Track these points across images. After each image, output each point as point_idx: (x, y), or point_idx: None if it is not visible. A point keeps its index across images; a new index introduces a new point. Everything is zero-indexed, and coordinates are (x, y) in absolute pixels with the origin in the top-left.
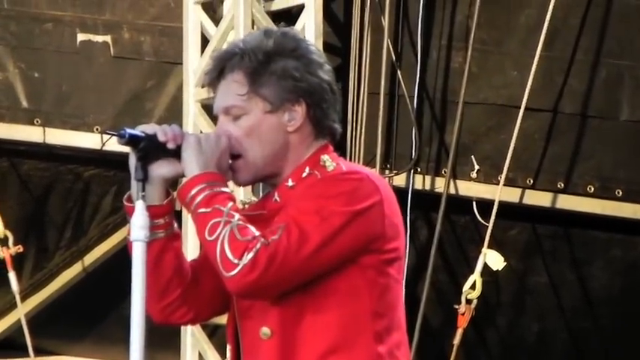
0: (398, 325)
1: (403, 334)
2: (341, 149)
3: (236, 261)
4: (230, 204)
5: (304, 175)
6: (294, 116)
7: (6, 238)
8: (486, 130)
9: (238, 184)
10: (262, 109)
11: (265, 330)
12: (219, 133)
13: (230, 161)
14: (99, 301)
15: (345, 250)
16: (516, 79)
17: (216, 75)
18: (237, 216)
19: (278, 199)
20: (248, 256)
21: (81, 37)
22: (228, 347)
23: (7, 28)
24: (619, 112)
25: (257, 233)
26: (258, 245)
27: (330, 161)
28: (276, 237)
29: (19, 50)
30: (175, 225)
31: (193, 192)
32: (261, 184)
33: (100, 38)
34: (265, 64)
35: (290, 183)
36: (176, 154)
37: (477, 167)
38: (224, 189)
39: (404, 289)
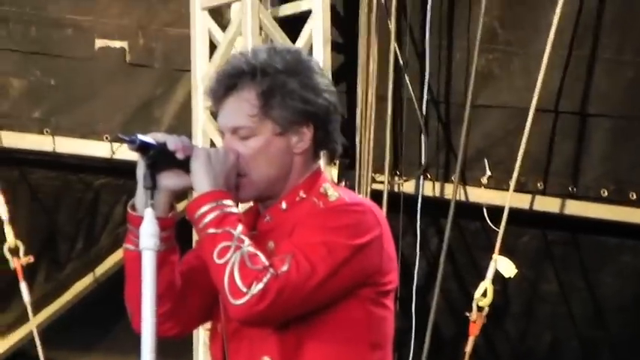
0: (389, 355)
1: None
2: (350, 156)
3: (245, 290)
4: (240, 227)
5: (298, 199)
6: (302, 138)
7: (17, 249)
8: (505, 134)
9: (239, 201)
10: (272, 131)
11: (266, 359)
12: (227, 150)
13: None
14: (111, 311)
15: (348, 282)
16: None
17: (223, 91)
18: (247, 241)
19: (269, 219)
20: (258, 287)
21: (99, 43)
22: None
23: (28, 34)
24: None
25: (267, 263)
26: (268, 276)
27: (331, 190)
28: (285, 268)
29: (37, 57)
30: (174, 239)
31: (203, 210)
32: None
33: (117, 44)
34: (276, 84)
35: (283, 206)
36: (184, 165)
37: (488, 173)
38: (233, 209)
39: (415, 297)
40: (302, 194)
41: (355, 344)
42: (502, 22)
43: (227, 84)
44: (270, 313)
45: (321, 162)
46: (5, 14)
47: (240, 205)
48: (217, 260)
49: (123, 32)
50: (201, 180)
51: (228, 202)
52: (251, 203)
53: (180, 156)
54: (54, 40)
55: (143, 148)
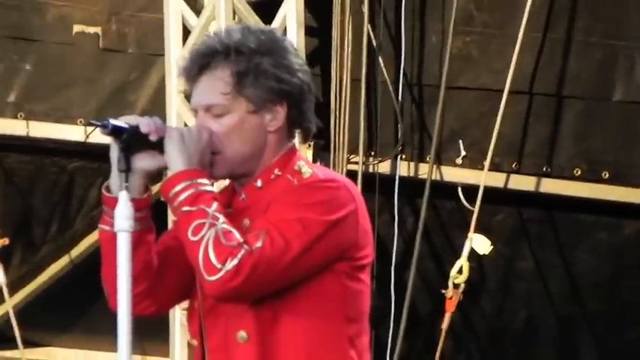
0: (366, 329)
1: (368, 338)
2: (324, 137)
3: (219, 266)
4: (215, 205)
5: (273, 176)
6: (276, 117)
7: None
8: (478, 115)
9: (213, 178)
10: (245, 108)
11: (242, 334)
12: (200, 128)
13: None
14: (86, 293)
15: (322, 258)
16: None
17: (196, 70)
18: (221, 218)
19: (245, 197)
20: (232, 263)
21: (76, 28)
22: (194, 342)
23: (9, 19)
24: (612, 94)
25: (241, 239)
26: (242, 252)
27: (305, 167)
28: (259, 244)
29: (17, 42)
30: (151, 219)
31: (177, 188)
32: None
33: (92, 30)
34: (250, 63)
35: (259, 183)
36: (158, 146)
37: (463, 153)
38: (208, 188)
39: (393, 275)
40: (277, 172)
41: (331, 318)
42: (478, 5)
43: (201, 63)
44: (244, 289)
45: (296, 141)
46: None
47: (216, 184)
48: (192, 237)
49: (96, 18)
50: (175, 159)
51: (203, 180)
52: (227, 182)
53: (153, 138)
54: (33, 25)
55: (116, 132)
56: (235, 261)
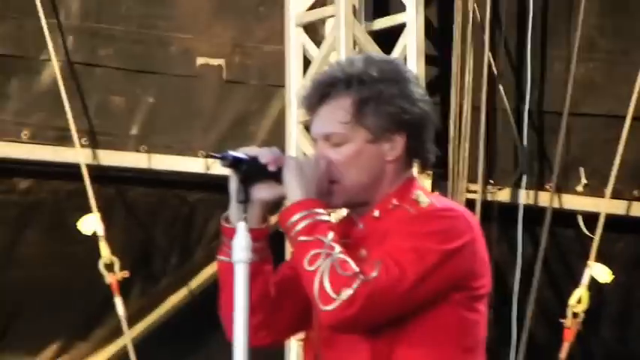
0: (482, 359)
1: None
2: (443, 166)
3: (334, 296)
4: (331, 235)
5: (391, 206)
6: (395, 146)
7: (112, 264)
8: (600, 142)
9: (331, 207)
10: (364, 138)
11: None
12: (318, 158)
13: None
14: (205, 325)
15: (438, 288)
16: None
17: (317, 99)
18: (337, 248)
19: (362, 227)
20: (347, 292)
21: (200, 60)
22: None
23: (133, 52)
24: None
25: (357, 269)
26: (358, 282)
27: (423, 196)
28: (374, 274)
29: (140, 75)
30: (268, 249)
31: (295, 218)
32: None
33: (215, 62)
34: (371, 92)
35: (376, 213)
36: (276, 176)
37: (584, 181)
38: (325, 217)
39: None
40: (395, 202)
41: (447, 349)
42: (601, 31)
43: (322, 92)
44: (359, 318)
45: (414, 170)
46: (113, 33)
47: (334, 214)
48: (308, 267)
49: (220, 50)
50: (293, 189)
51: (320, 210)
52: (345, 212)
53: (272, 168)
54: (157, 58)
55: (235, 163)
56: (350, 291)
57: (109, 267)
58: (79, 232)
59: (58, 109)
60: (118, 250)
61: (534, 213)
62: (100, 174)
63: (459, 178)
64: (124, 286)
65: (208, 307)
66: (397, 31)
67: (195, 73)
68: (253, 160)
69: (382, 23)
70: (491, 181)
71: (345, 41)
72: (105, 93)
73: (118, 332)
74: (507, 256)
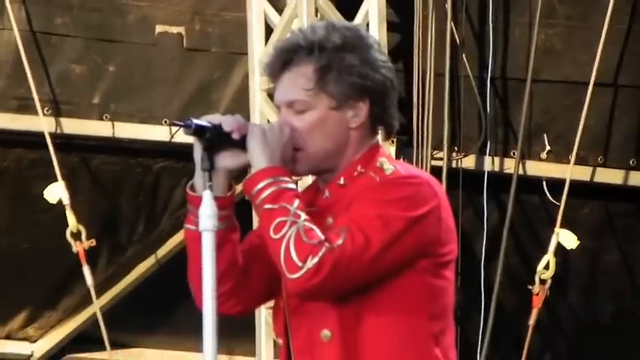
0: (450, 326)
1: (453, 335)
2: (408, 133)
3: (300, 264)
4: (296, 202)
5: (356, 174)
6: (358, 113)
7: (79, 233)
8: (563, 109)
9: (295, 174)
10: (327, 105)
11: (326, 332)
12: (282, 125)
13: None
14: (172, 293)
15: (404, 255)
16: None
17: (279, 67)
18: (303, 216)
19: (328, 195)
20: (313, 261)
21: (159, 28)
22: (280, 341)
23: (91, 21)
24: None
25: (322, 237)
26: (324, 250)
27: (388, 164)
28: (340, 242)
29: (100, 43)
30: (234, 217)
31: (260, 186)
32: None
33: (175, 30)
34: (333, 59)
35: (342, 181)
36: (241, 144)
37: (547, 147)
38: (290, 185)
39: (483, 272)
40: (360, 169)
41: (414, 315)
42: None
43: (284, 59)
44: (325, 286)
45: (379, 138)
46: (69, 1)
47: (299, 182)
48: (274, 235)
49: (179, 17)
50: (257, 157)
51: (285, 178)
52: (310, 180)
53: (236, 136)
54: (116, 27)
55: (199, 131)
56: (316, 259)
57: (76, 236)
58: (44, 200)
59: (19, 78)
60: (84, 219)
61: (500, 180)
62: (63, 142)
63: (423, 145)
64: (91, 255)
65: (176, 275)
66: None
67: (155, 42)
68: (217, 128)
69: None
70: (456, 148)
71: (307, 8)
72: (65, 62)
73: (86, 301)
74: (474, 223)
